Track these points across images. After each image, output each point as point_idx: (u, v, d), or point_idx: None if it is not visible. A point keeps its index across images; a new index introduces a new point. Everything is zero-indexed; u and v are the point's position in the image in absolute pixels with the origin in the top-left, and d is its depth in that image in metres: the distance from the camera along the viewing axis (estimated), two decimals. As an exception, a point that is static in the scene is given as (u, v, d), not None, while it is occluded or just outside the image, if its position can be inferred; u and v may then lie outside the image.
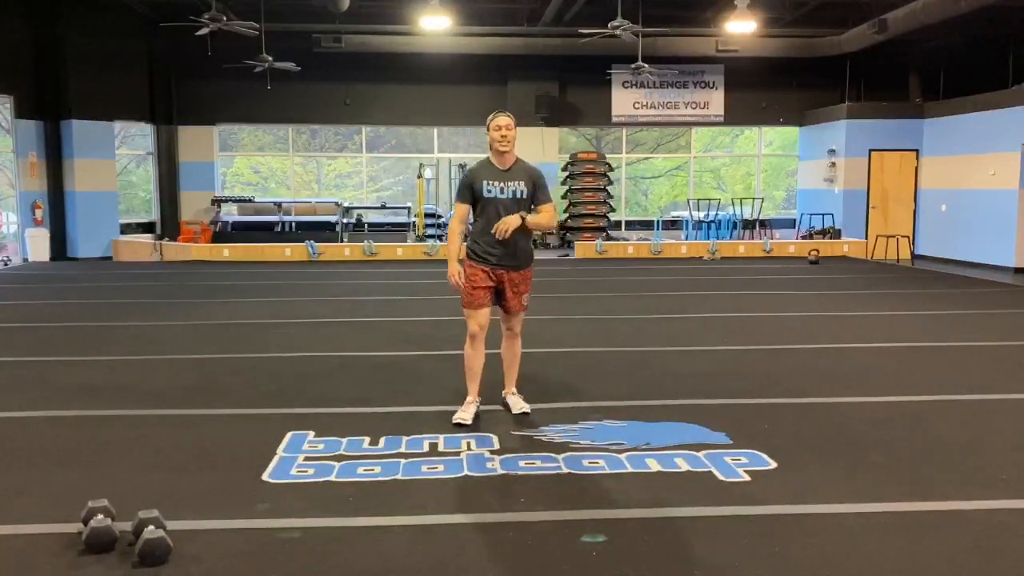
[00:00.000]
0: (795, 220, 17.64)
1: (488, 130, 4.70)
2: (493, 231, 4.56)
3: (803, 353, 6.73)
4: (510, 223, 4.55)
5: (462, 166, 15.56)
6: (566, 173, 17.01)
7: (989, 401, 5.22)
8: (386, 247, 15.01)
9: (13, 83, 14.37)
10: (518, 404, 4.82)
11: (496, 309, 4.81)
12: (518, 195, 4.65)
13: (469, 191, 4.68)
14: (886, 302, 9.59)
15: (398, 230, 16.39)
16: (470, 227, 4.80)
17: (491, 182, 4.64)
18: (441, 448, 4.20)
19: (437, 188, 17.51)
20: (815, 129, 17.25)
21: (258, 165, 21.49)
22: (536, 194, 4.72)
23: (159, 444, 4.33)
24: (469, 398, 4.74)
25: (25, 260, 14.66)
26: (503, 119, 4.68)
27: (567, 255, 15.65)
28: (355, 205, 17.09)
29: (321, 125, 18.55)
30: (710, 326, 8.04)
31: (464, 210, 4.74)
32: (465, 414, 4.65)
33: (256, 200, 17.19)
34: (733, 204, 17.77)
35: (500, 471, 3.88)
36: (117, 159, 16.15)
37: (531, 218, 4.64)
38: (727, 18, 13.53)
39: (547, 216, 4.77)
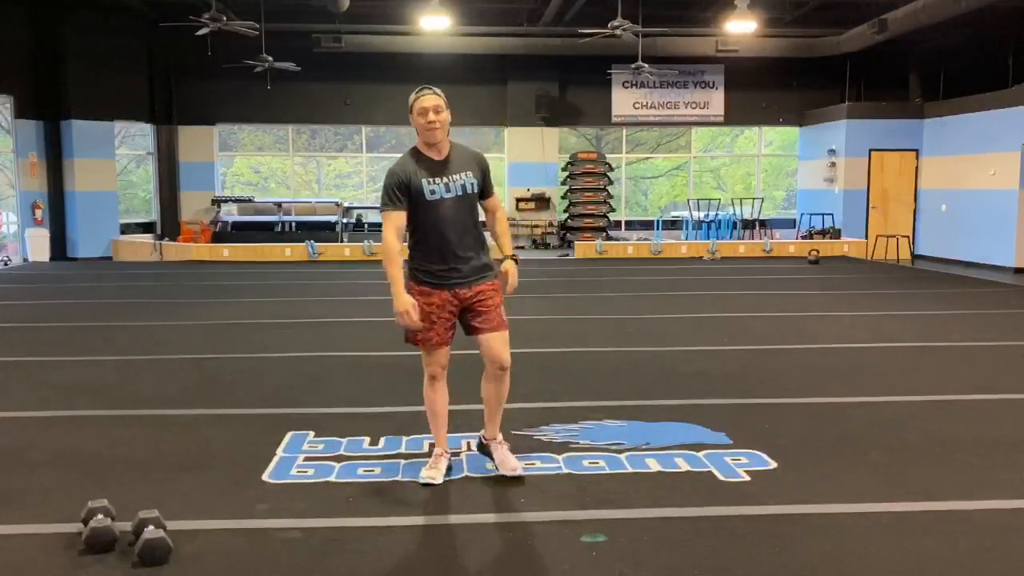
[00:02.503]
0: (795, 220, 17.65)
1: (411, 112, 3.60)
2: (511, 289, 3.72)
3: (803, 353, 6.72)
4: (513, 276, 3.74)
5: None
6: (566, 173, 17.02)
7: (989, 401, 5.22)
8: (386, 247, 14.96)
9: (13, 83, 14.38)
10: (509, 460, 3.80)
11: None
12: (468, 189, 3.64)
13: (405, 194, 3.58)
14: (886, 302, 9.59)
15: (398, 230, 16.35)
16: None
17: (433, 179, 3.59)
18: (441, 448, 4.19)
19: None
20: (815, 129, 17.25)
21: (258, 165, 21.47)
22: (485, 187, 3.76)
23: (159, 444, 4.33)
24: (437, 450, 3.84)
25: (25, 260, 14.67)
26: (429, 98, 3.57)
27: (567, 255, 15.64)
28: (355, 205, 17.09)
29: (321, 125, 18.54)
30: (710, 326, 8.04)
31: (401, 220, 3.60)
32: (434, 472, 3.75)
33: (256, 200, 17.18)
34: (733, 204, 17.77)
35: (500, 471, 3.87)
36: (117, 159, 16.16)
37: (510, 244, 3.83)
38: (727, 18, 13.53)
39: (504, 219, 3.90)
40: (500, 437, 3.91)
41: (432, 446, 3.92)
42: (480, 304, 3.69)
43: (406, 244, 3.72)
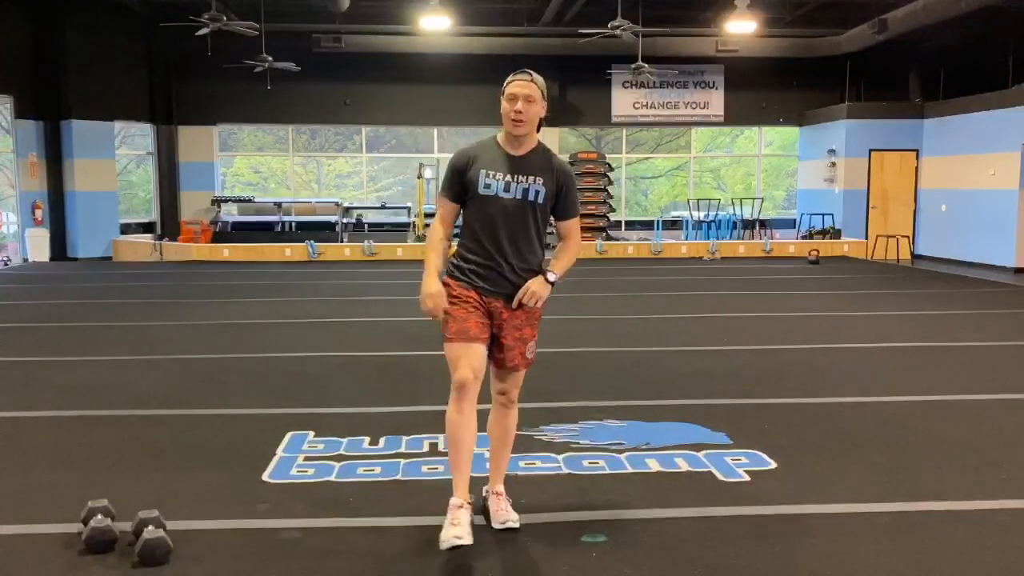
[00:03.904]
0: (795, 220, 17.65)
1: (502, 95, 3.14)
2: (519, 297, 3.14)
3: (803, 353, 6.72)
4: (539, 293, 3.13)
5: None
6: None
7: (989, 401, 5.22)
8: (386, 247, 15.01)
9: (13, 83, 14.38)
10: (503, 512, 3.26)
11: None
12: (531, 196, 3.12)
13: (459, 182, 3.16)
14: (886, 302, 9.59)
15: (398, 230, 16.40)
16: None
17: (492, 173, 3.12)
18: (441, 448, 4.19)
19: (437, 188, 17.52)
20: (815, 129, 17.25)
21: (258, 165, 21.49)
22: (557, 205, 3.20)
23: (159, 444, 4.33)
24: (455, 499, 3.09)
25: (25, 260, 14.67)
26: (522, 84, 3.10)
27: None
28: (355, 205, 17.10)
29: (321, 125, 18.55)
30: (710, 326, 8.04)
31: (451, 210, 3.22)
32: (458, 529, 2.99)
33: (256, 200, 17.20)
34: (733, 204, 17.77)
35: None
36: (117, 159, 16.16)
37: (559, 268, 3.21)
38: (727, 18, 13.53)
39: (574, 248, 3.28)
40: (502, 488, 3.34)
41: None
42: (505, 332, 3.18)
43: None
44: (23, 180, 14.68)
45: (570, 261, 3.26)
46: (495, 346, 3.22)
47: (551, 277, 3.17)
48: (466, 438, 3.09)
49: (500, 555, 3.07)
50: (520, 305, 3.17)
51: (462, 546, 2.94)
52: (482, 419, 3.24)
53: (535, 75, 3.15)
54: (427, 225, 16.06)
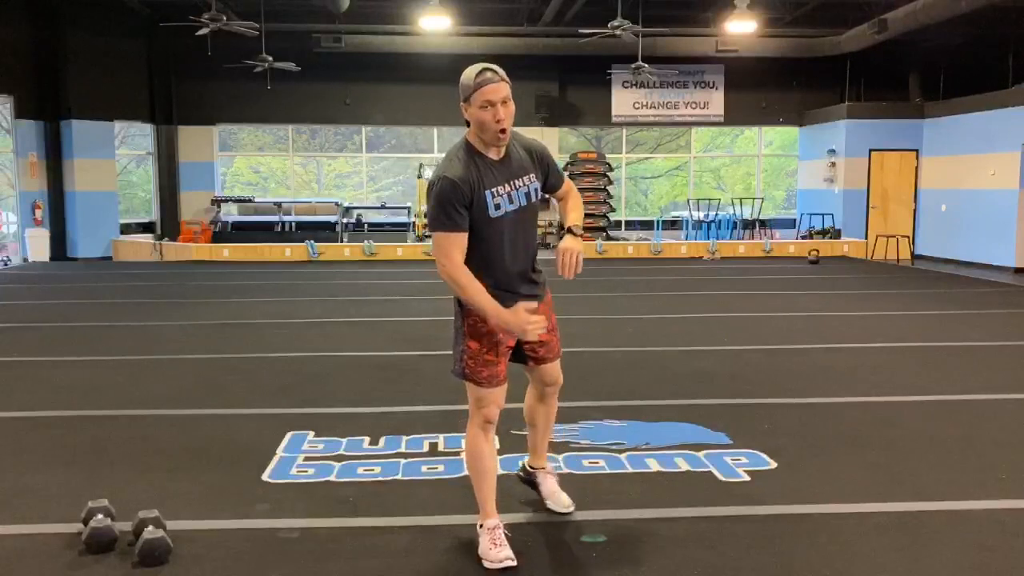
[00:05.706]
0: (795, 220, 17.65)
1: (467, 102, 2.78)
2: (561, 271, 2.91)
3: (803, 353, 6.72)
4: (576, 251, 2.92)
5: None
6: (566, 173, 17.03)
7: (989, 401, 5.22)
8: (386, 247, 15.02)
9: (13, 83, 14.38)
10: (561, 495, 3.40)
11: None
12: (533, 198, 2.95)
13: (465, 211, 2.80)
14: (886, 302, 9.59)
15: (398, 230, 16.40)
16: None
17: (497, 190, 2.84)
18: (441, 448, 4.20)
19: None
20: (815, 129, 17.26)
21: (258, 165, 21.49)
22: (547, 182, 3.04)
23: (159, 444, 4.33)
24: (492, 520, 3.00)
25: (25, 260, 14.67)
26: (496, 87, 2.75)
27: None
28: (355, 205, 17.10)
29: (321, 125, 18.55)
30: (710, 326, 8.04)
31: (463, 244, 2.82)
32: (508, 550, 2.94)
33: (256, 200, 17.21)
34: (733, 204, 17.78)
35: (500, 471, 3.86)
36: (117, 159, 16.17)
37: (578, 220, 3.07)
38: (727, 18, 13.53)
39: (577, 197, 3.17)
40: (549, 466, 3.49)
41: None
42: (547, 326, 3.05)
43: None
44: (23, 180, 14.68)
45: (581, 211, 3.12)
46: (538, 347, 3.10)
47: (578, 231, 2.99)
48: (493, 465, 3.10)
49: (500, 555, 3.06)
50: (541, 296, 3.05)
51: (514, 565, 2.91)
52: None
53: (499, 69, 2.80)
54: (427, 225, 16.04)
